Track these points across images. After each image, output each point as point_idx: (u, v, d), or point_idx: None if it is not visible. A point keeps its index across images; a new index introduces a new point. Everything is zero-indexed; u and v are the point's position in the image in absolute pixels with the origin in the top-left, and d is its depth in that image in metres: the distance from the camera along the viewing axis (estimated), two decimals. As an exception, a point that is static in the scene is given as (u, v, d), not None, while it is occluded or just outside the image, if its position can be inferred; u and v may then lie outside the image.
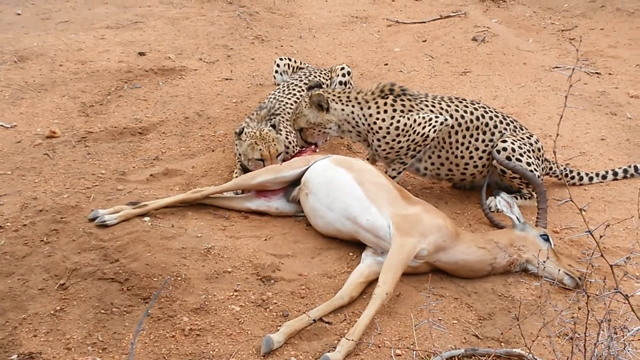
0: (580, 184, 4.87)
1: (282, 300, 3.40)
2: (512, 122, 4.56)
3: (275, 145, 4.49)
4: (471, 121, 4.43)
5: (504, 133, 4.47)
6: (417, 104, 4.39)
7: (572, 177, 4.84)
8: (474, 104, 4.52)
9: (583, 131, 5.65)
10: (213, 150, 5.18)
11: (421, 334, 3.23)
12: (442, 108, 4.41)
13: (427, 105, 4.40)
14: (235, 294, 3.40)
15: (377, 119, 4.34)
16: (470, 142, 4.45)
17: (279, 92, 5.29)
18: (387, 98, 4.38)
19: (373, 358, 3.06)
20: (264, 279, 3.53)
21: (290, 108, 5.04)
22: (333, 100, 4.40)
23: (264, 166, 4.41)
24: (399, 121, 4.32)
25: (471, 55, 7.39)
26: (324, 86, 5.37)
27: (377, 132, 4.35)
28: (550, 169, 4.72)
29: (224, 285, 3.45)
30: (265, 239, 3.95)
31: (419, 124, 4.31)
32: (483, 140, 4.45)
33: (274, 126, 4.61)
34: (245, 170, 4.60)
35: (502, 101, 6.23)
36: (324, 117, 4.39)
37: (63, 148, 5.10)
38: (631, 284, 3.70)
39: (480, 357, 3.08)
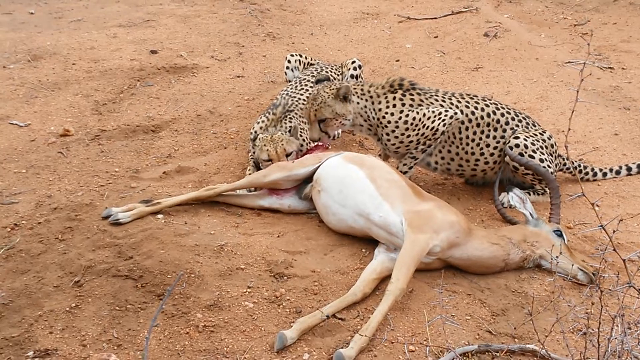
0: (594, 180, 4.85)
1: (295, 296, 3.40)
2: (525, 119, 4.54)
3: (283, 145, 4.50)
4: (482, 117, 4.42)
5: (516, 130, 4.46)
6: (426, 99, 4.39)
7: (586, 173, 4.82)
8: (485, 100, 4.50)
9: (596, 126, 5.62)
10: (225, 148, 5.20)
11: (434, 330, 3.23)
12: (452, 103, 4.41)
13: (437, 100, 4.40)
14: (249, 290, 3.41)
15: (387, 113, 4.35)
16: (480, 139, 4.44)
17: (291, 89, 5.29)
18: (396, 93, 4.39)
19: (386, 354, 3.06)
20: (277, 275, 3.54)
21: (303, 104, 5.05)
22: (351, 92, 4.42)
23: None
24: (407, 115, 4.32)
25: (483, 50, 7.36)
26: (333, 80, 5.37)
27: (387, 127, 4.36)
28: (564, 164, 4.70)
29: (237, 282, 3.46)
30: (278, 236, 3.95)
31: (429, 118, 4.31)
32: (494, 137, 4.44)
33: (290, 130, 4.63)
34: (258, 168, 4.62)
35: (515, 97, 6.21)
36: (347, 108, 4.40)
37: (77, 146, 5.14)
38: (645, 280, 3.68)
39: (493, 353, 3.08)
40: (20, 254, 3.62)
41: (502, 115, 4.46)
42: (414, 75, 6.70)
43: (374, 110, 4.39)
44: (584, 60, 6.84)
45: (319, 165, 4.14)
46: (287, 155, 4.52)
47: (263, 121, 4.84)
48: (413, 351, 3.09)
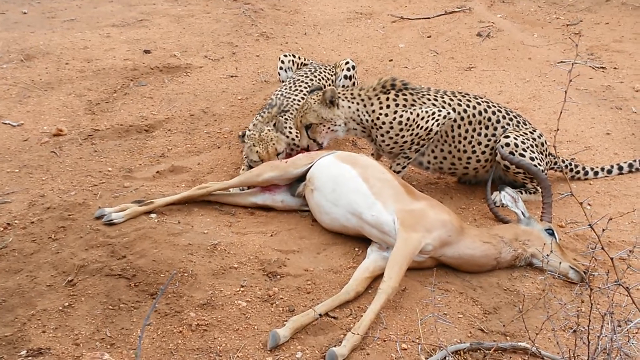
0: (586, 179, 4.87)
1: (288, 295, 3.42)
2: (516, 117, 4.56)
3: (274, 144, 4.51)
4: (473, 115, 4.44)
5: (507, 128, 4.48)
6: (419, 98, 4.41)
7: (577, 172, 4.84)
8: (477, 99, 4.52)
9: (588, 125, 5.65)
10: (219, 147, 5.21)
11: (427, 328, 3.25)
12: (444, 102, 4.43)
13: (429, 100, 4.41)
14: (242, 289, 3.42)
15: (380, 114, 4.36)
16: (472, 137, 4.46)
17: (285, 89, 5.30)
18: (389, 93, 4.40)
19: (379, 352, 3.08)
20: (270, 274, 3.55)
21: (298, 104, 5.05)
22: (339, 97, 4.42)
23: None
24: (401, 116, 4.33)
25: (476, 50, 7.39)
26: (326, 86, 5.38)
27: (381, 128, 4.37)
28: (555, 163, 4.72)
29: (231, 280, 3.47)
30: (271, 235, 3.97)
31: (422, 118, 4.33)
32: (485, 135, 4.46)
33: (275, 125, 4.64)
34: (251, 167, 4.62)
35: (507, 96, 6.23)
36: (335, 113, 4.40)
37: (70, 146, 5.13)
38: (636, 277, 3.70)
39: (485, 351, 3.09)
40: (13, 253, 3.62)
41: (494, 113, 4.48)
42: (407, 75, 6.72)
43: (367, 112, 4.40)
44: (575, 60, 6.87)
45: (312, 164, 4.15)
46: (278, 154, 4.53)
47: (259, 121, 4.84)
48: (405, 349, 3.10)
